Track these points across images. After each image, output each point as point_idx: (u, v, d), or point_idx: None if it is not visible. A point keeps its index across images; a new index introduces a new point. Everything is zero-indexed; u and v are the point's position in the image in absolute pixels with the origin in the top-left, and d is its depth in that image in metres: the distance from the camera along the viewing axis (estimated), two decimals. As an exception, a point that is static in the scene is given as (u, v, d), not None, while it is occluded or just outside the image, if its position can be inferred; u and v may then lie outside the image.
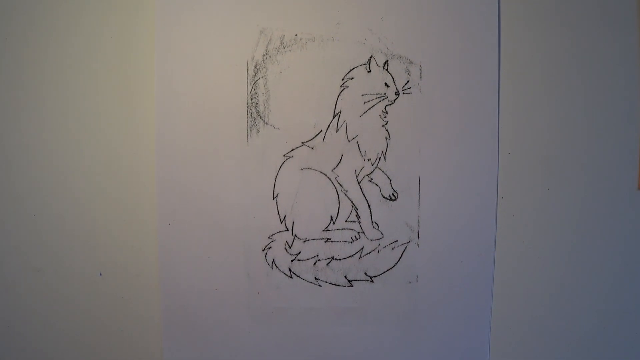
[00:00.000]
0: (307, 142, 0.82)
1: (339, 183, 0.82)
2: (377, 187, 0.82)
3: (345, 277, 0.83)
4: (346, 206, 0.83)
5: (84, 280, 0.86)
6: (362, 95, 0.81)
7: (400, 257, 0.83)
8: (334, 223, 0.83)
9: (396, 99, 0.81)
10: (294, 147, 0.82)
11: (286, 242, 0.83)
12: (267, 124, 0.81)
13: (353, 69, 0.81)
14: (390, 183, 0.82)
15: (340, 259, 0.83)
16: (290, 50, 0.81)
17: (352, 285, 0.83)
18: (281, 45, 0.81)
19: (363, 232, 0.83)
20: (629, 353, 0.83)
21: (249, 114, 0.82)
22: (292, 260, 0.83)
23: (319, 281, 0.83)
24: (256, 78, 0.81)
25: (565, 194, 0.82)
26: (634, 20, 0.80)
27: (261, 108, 0.81)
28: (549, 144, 0.82)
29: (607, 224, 0.82)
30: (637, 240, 0.82)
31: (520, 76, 0.81)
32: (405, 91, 0.81)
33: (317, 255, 0.83)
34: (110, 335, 0.86)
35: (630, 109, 0.81)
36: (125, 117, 0.84)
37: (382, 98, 0.81)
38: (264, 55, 0.81)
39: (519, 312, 0.84)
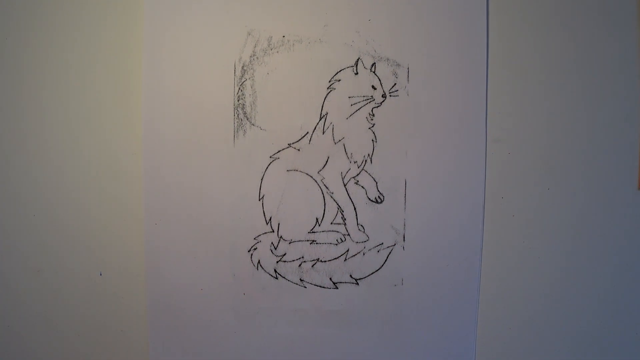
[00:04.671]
0: (293, 143, 0.82)
1: (324, 185, 0.82)
2: (363, 190, 0.82)
3: (331, 279, 0.83)
4: (332, 208, 0.82)
5: (84, 280, 0.87)
6: (349, 97, 0.81)
7: (386, 260, 0.82)
8: (319, 225, 0.83)
9: (383, 101, 0.81)
10: (280, 149, 0.82)
11: (272, 243, 0.83)
12: (253, 125, 0.82)
13: (340, 71, 0.81)
14: (377, 186, 0.82)
15: (325, 261, 0.83)
16: (277, 52, 0.81)
17: (337, 288, 0.83)
18: (268, 46, 0.81)
19: (349, 235, 0.83)
20: (629, 353, 0.82)
21: (236, 115, 0.82)
22: (277, 262, 0.83)
23: (304, 282, 0.83)
24: (243, 79, 0.82)
25: (565, 194, 0.82)
26: (634, 20, 0.79)
27: (248, 109, 0.82)
28: (549, 144, 0.81)
29: (607, 224, 0.82)
30: (637, 240, 0.82)
31: (520, 77, 0.81)
32: (392, 94, 0.81)
33: (302, 257, 0.83)
34: (110, 335, 0.87)
35: (630, 109, 0.80)
36: (115, 118, 0.85)
37: (369, 100, 0.81)
38: (251, 56, 0.81)
39: (511, 315, 0.83)
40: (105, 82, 0.84)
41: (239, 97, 0.82)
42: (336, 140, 0.81)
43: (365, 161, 0.81)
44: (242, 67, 0.81)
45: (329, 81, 0.81)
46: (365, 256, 0.83)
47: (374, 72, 0.81)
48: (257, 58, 0.81)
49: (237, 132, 0.82)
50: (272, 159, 0.82)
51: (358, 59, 0.81)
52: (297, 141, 0.82)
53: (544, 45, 0.80)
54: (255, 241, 0.83)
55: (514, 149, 0.82)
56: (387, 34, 0.80)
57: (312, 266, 0.83)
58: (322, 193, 0.82)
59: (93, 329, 0.87)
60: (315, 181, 0.82)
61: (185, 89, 0.82)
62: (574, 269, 0.82)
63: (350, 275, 0.83)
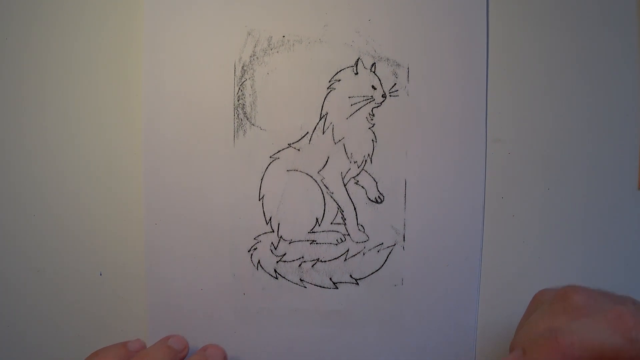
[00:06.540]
0: (293, 143, 0.82)
1: (324, 185, 0.82)
2: (363, 190, 0.82)
3: (330, 279, 0.83)
4: (332, 208, 0.83)
5: (84, 280, 0.87)
6: (349, 97, 0.81)
7: (386, 260, 0.82)
8: (319, 225, 0.83)
9: (383, 101, 0.81)
10: (280, 149, 0.82)
11: (272, 243, 0.83)
12: (253, 125, 0.82)
13: (340, 71, 0.81)
14: (377, 186, 0.82)
15: (325, 261, 0.83)
16: (277, 52, 0.81)
17: (337, 288, 0.83)
18: (268, 46, 0.81)
19: (348, 235, 0.83)
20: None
21: (236, 115, 0.82)
22: (277, 262, 0.83)
23: (304, 282, 0.83)
24: (243, 79, 0.82)
25: (566, 194, 0.82)
26: (634, 20, 0.79)
27: (248, 109, 0.82)
28: (549, 144, 0.81)
29: (607, 224, 0.82)
30: (638, 241, 0.82)
31: (520, 77, 0.81)
32: (392, 94, 0.81)
33: (302, 257, 0.83)
34: (110, 335, 0.87)
35: (630, 109, 0.80)
36: (115, 118, 0.85)
37: (369, 100, 0.81)
38: (251, 56, 0.81)
39: (511, 315, 0.83)
40: (105, 82, 0.84)
41: (239, 97, 0.82)
42: (336, 140, 0.81)
43: (365, 161, 0.81)
44: (242, 67, 0.81)
45: (329, 81, 0.81)
46: (365, 256, 0.83)
47: (374, 72, 0.81)
48: (257, 58, 0.81)
49: (237, 132, 0.82)
50: (272, 159, 0.82)
51: (358, 59, 0.81)
52: (297, 141, 0.82)
53: (544, 45, 0.81)
54: (255, 241, 0.83)
55: (514, 149, 0.82)
56: (387, 34, 0.80)
57: (312, 266, 0.83)
58: (322, 193, 0.82)
59: (93, 329, 0.87)
60: (315, 181, 0.82)
61: (185, 89, 0.82)
62: (574, 269, 0.82)
63: (350, 275, 0.83)
